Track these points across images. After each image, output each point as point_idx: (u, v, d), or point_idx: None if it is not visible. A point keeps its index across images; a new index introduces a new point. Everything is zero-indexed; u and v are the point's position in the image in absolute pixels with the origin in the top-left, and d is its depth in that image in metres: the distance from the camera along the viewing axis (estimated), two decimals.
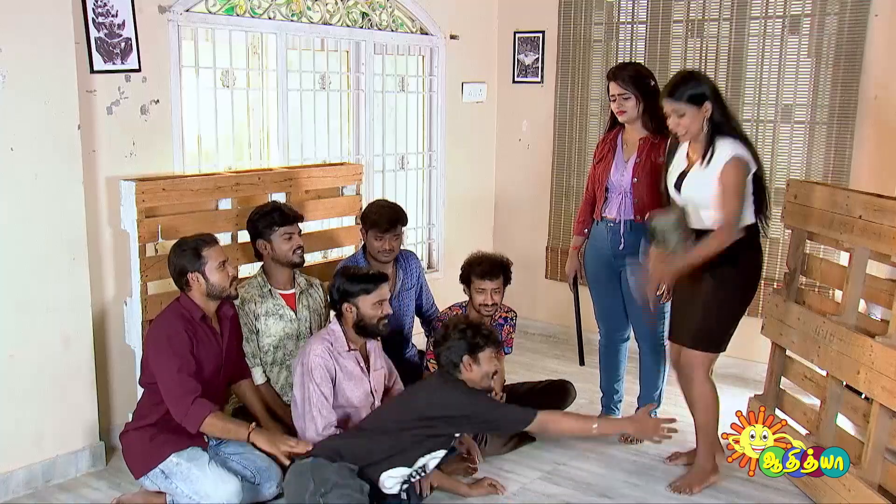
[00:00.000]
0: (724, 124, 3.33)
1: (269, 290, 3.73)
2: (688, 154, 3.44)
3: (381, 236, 3.92)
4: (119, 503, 3.30)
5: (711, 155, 3.30)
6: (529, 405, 3.98)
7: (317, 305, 3.87)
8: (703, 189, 3.32)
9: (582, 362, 4.22)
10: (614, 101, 3.75)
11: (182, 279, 3.26)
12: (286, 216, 3.71)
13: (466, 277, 3.95)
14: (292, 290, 3.79)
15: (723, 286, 3.42)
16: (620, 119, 3.79)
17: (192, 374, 3.14)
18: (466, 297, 4.00)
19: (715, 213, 3.31)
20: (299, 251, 3.73)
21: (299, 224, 3.79)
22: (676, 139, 3.49)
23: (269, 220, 3.69)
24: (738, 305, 3.49)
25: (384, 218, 3.93)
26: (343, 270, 3.52)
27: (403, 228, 4.04)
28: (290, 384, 3.63)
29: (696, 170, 3.37)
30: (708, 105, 3.29)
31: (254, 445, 3.15)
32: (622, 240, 3.83)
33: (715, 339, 3.49)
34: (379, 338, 3.54)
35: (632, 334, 4.09)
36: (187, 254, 3.25)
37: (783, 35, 4.63)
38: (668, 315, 3.85)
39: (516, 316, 4.11)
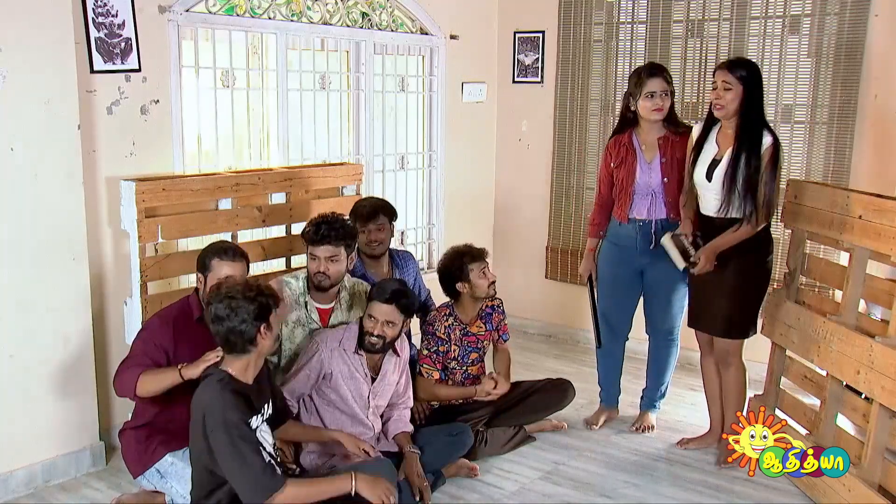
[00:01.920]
0: (760, 116, 3.49)
1: (306, 302, 3.62)
2: (717, 141, 3.56)
3: (364, 227, 3.92)
4: (119, 503, 3.30)
5: (753, 143, 3.43)
6: (529, 405, 4.02)
7: (349, 318, 3.72)
8: (734, 176, 3.45)
9: (600, 345, 4.22)
10: (652, 97, 3.74)
11: (196, 275, 3.30)
12: (314, 236, 3.54)
13: (460, 269, 3.87)
14: (330, 305, 3.67)
15: (743, 275, 3.56)
16: (655, 118, 3.77)
17: (138, 364, 3.10)
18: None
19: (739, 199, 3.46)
20: (318, 276, 3.55)
21: (339, 246, 3.55)
22: (708, 127, 3.59)
23: (305, 232, 3.62)
24: (760, 291, 3.68)
25: (364, 208, 3.96)
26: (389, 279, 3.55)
27: (392, 223, 4.05)
28: None
29: (727, 157, 3.49)
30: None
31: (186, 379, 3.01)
32: (653, 238, 3.86)
33: (745, 325, 3.67)
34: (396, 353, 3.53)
35: (632, 333, 4.14)
36: (206, 256, 3.27)
37: (783, 35, 4.63)
38: (685, 310, 4.00)
39: (502, 302, 4.10)
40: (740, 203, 3.46)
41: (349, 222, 3.72)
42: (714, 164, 3.54)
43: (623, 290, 4.03)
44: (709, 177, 3.55)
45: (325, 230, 3.53)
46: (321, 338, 3.42)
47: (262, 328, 2.76)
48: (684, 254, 3.63)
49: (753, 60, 3.76)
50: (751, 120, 3.46)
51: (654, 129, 3.84)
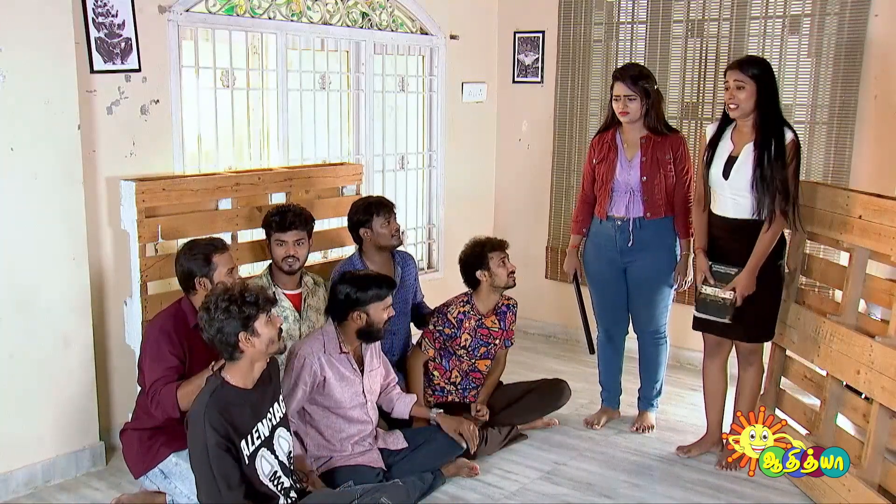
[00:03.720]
0: (778, 112, 3.48)
1: (274, 292, 3.69)
2: (732, 139, 3.53)
3: (389, 217, 3.93)
4: (119, 503, 3.30)
5: (776, 140, 3.41)
6: (525, 405, 4.04)
7: (320, 305, 3.86)
8: (749, 173, 3.43)
9: (592, 351, 4.27)
10: (618, 101, 3.81)
11: (189, 282, 3.26)
12: (281, 223, 3.67)
13: (480, 257, 3.90)
14: (299, 290, 3.78)
15: (769, 277, 3.53)
16: (623, 119, 3.83)
17: (173, 379, 3.10)
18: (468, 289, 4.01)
19: (758, 196, 3.43)
20: (289, 260, 3.67)
21: (303, 231, 3.71)
22: (722, 128, 3.58)
23: (269, 222, 3.71)
24: (779, 295, 3.64)
25: (383, 199, 4.01)
26: (347, 277, 3.45)
27: None
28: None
29: (746, 154, 3.46)
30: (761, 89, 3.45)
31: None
32: (631, 236, 3.88)
33: (770, 328, 3.66)
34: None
35: (630, 329, 4.15)
36: (198, 258, 3.24)
37: (783, 35, 4.63)
38: (670, 308, 4.03)
39: (516, 304, 4.12)
40: (767, 202, 3.42)
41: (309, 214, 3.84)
42: (731, 161, 3.50)
43: (610, 288, 4.04)
44: (725, 175, 3.51)
45: (292, 217, 3.70)
46: (304, 350, 3.36)
47: (242, 336, 2.73)
48: (722, 309, 3.55)
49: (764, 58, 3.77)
50: (769, 116, 3.45)
51: (636, 128, 3.86)
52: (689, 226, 3.86)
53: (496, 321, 3.99)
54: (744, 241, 3.50)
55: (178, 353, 3.14)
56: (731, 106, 3.48)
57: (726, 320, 3.56)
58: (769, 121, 3.44)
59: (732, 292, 3.52)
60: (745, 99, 3.44)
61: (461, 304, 3.93)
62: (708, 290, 3.59)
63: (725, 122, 3.59)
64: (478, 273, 3.89)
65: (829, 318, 3.45)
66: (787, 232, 3.61)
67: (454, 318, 3.89)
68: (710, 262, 3.60)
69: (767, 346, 3.91)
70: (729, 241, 3.57)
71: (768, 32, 4.67)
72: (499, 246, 3.93)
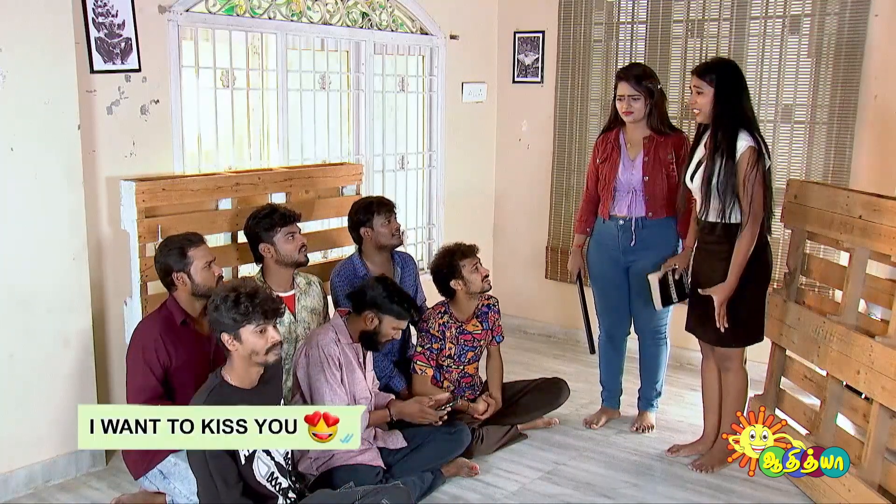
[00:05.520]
0: (735, 117, 3.40)
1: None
2: (705, 145, 3.54)
3: (389, 217, 3.94)
4: (119, 503, 3.30)
5: (726, 146, 3.38)
6: (523, 404, 4.04)
7: (315, 304, 3.86)
8: (709, 178, 3.42)
9: (593, 351, 4.27)
10: (622, 100, 3.81)
11: (167, 279, 3.27)
12: (286, 216, 3.68)
13: (452, 266, 3.87)
14: (292, 292, 3.78)
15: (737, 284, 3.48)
16: (626, 119, 3.83)
17: (152, 395, 3.11)
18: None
19: (726, 204, 3.42)
20: (304, 249, 3.71)
21: (298, 223, 3.77)
22: (699, 133, 3.58)
23: (269, 222, 3.66)
24: (755, 299, 3.58)
25: (382, 199, 4.02)
26: (389, 283, 3.50)
27: None
28: (288, 387, 3.61)
29: (705, 159, 3.47)
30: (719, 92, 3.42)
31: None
32: (633, 236, 3.89)
33: (741, 333, 3.58)
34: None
35: (632, 329, 4.15)
36: (173, 253, 3.25)
37: (783, 35, 4.63)
38: (671, 309, 4.01)
39: (497, 301, 4.10)
40: (720, 206, 3.42)
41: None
42: (699, 166, 3.53)
43: (613, 287, 4.04)
44: (691, 179, 3.55)
45: (288, 209, 3.72)
46: (321, 341, 3.36)
47: (226, 337, 2.74)
48: (665, 294, 3.76)
49: (729, 60, 3.79)
50: (723, 122, 3.41)
51: (639, 128, 3.86)
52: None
53: (478, 324, 3.97)
54: (718, 242, 3.50)
55: (164, 360, 3.16)
56: (695, 111, 3.50)
57: (658, 302, 3.79)
58: (721, 126, 3.41)
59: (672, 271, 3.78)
60: (705, 104, 3.44)
61: (439, 315, 3.89)
62: (669, 276, 3.80)
63: (703, 127, 3.58)
64: (452, 282, 3.85)
65: (829, 318, 3.45)
66: (772, 237, 3.62)
67: (437, 331, 3.85)
68: (686, 269, 3.78)
69: (763, 348, 3.91)
70: (708, 242, 3.57)
71: (768, 32, 4.67)
72: (469, 252, 3.87)
